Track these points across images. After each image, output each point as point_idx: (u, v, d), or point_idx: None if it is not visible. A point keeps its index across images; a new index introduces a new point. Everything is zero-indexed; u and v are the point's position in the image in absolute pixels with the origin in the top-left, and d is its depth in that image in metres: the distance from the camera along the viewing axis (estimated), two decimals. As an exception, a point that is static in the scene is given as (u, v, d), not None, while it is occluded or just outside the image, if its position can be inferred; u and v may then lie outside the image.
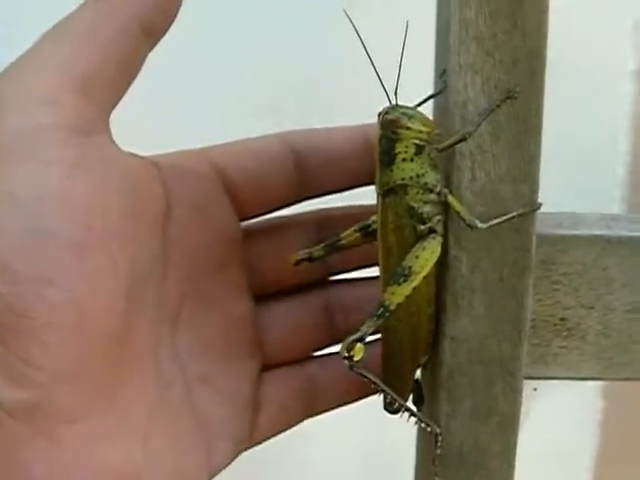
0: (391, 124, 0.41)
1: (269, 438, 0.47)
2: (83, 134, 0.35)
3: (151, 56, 0.37)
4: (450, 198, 0.41)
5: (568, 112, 0.67)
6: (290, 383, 0.48)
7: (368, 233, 0.46)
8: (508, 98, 0.40)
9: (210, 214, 0.44)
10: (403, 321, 0.44)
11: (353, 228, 0.46)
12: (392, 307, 0.41)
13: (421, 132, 0.41)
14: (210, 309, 0.44)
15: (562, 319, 0.44)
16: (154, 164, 0.41)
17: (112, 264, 0.35)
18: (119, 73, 0.36)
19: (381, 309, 0.41)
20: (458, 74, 0.41)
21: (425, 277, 0.41)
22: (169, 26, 0.37)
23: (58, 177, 0.33)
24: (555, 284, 0.44)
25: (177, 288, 0.42)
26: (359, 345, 0.40)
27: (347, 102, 0.51)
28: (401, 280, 0.41)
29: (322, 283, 0.50)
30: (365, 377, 0.41)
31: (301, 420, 0.48)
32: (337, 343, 0.49)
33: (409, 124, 0.41)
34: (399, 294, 0.41)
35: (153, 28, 0.37)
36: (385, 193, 0.42)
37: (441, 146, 0.41)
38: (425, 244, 0.41)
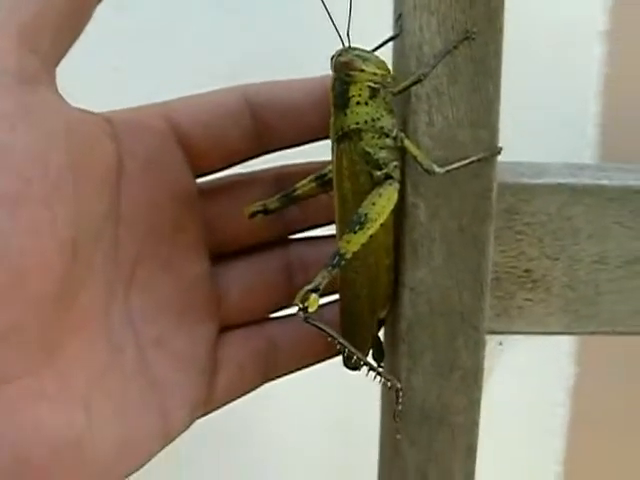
0: (344, 66, 0.40)
1: (227, 403, 0.45)
2: (26, 83, 0.33)
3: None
4: (407, 142, 0.40)
5: (536, 71, 0.66)
6: (248, 344, 0.46)
7: (324, 182, 0.44)
8: (465, 39, 0.39)
9: (164, 170, 0.42)
10: (361, 273, 0.43)
11: (309, 178, 0.45)
12: (348, 255, 0.39)
13: (375, 74, 0.40)
14: (165, 270, 0.42)
15: (526, 270, 0.43)
16: (106, 120, 0.40)
17: (50, 219, 0.33)
18: (63, 23, 0.35)
19: (336, 258, 0.39)
20: (413, 16, 0.39)
21: (382, 225, 0.40)
22: None
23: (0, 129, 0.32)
24: (518, 234, 0.43)
25: (130, 248, 0.40)
26: (314, 296, 0.38)
27: (307, 58, 0.49)
28: (357, 228, 0.40)
29: (282, 242, 0.49)
30: (321, 329, 0.39)
31: (260, 384, 0.46)
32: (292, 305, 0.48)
33: (363, 66, 0.40)
34: (355, 242, 0.39)
35: None
36: (339, 138, 0.41)
37: (396, 89, 0.40)
38: (381, 190, 0.40)
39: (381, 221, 0.40)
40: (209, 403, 0.44)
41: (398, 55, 0.43)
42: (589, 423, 0.80)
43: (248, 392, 0.46)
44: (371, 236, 0.40)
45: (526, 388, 0.70)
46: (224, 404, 0.45)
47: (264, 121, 0.45)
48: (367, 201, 0.40)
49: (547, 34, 0.67)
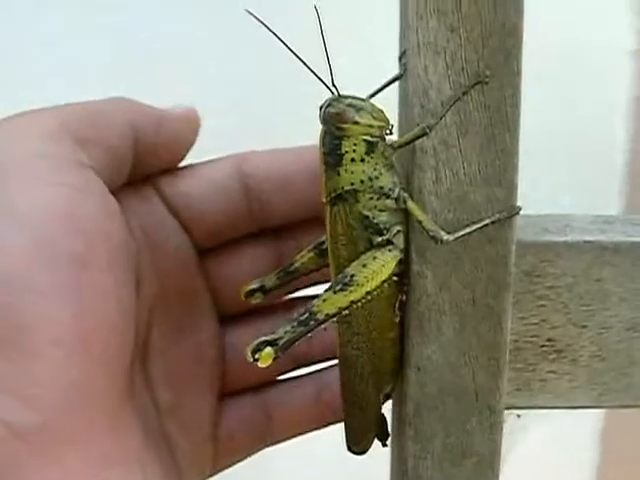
0: (335, 118, 0.35)
1: (227, 467, 0.45)
2: (82, 165, 0.35)
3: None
4: (410, 204, 0.35)
5: (563, 94, 0.60)
6: (241, 414, 0.45)
7: (323, 252, 0.39)
8: (477, 83, 0.34)
9: (163, 240, 0.42)
10: (363, 349, 0.38)
11: (307, 248, 0.40)
12: (319, 316, 0.34)
13: (372, 126, 0.35)
14: (177, 335, 0.42)
15: (550, 339, 0.38)
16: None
17: (114, 284, 0.34)
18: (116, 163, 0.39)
19: (306, 314, 0.34)
20: (417, 55, 0.34)
21: (386, 296, 0.36)
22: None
23: (64, 197, 0.34)
24: (540, 299, 0.38)
25: (144, 314, 0.40)
26: (268, 349, 0.33)
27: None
28: (338, 288, 0.34)
29: (285, 303, 0.46)
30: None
31: (255, 450, 0.46)
32: (300, 367, 0.46)
33: (357, 117, 0.35)
34: (332, 303, 0.34)
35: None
36: (333, 201, 0.36)
37: (397, 143, 0.35)
38: (377, 254, 0.35)
39: (368, 288, 0.35)
40: (213, 465, 0.44)
41: (402, 100, 0.38)
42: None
43: (244, 458, 0.45)
44: (371, 312, 0.36)
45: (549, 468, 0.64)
46: (224, 468, 0.45)
47: (258, 196, 0.42)
48: (358, 261, 0.35)
49: (574, 55, 0.62)
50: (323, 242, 0.39)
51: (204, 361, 0.43)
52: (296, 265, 0.41)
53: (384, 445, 0.41)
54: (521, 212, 0.35)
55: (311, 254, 0.40)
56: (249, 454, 0.45)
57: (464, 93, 0.34)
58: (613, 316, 0.38)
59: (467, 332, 0.36)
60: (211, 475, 0.44)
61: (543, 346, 0.38)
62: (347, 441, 0.41)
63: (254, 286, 0.41)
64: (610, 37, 0.63)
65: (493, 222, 0.34)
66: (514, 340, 0.38)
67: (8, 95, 0.50)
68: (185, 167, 0.43)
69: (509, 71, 0.34)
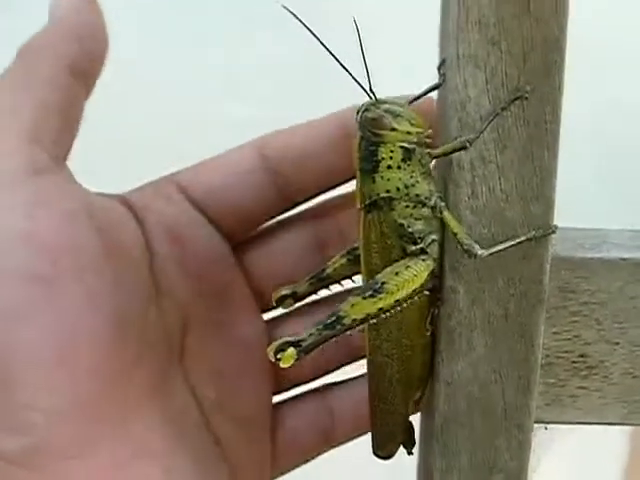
0: (372, 124, 0.34)
1: (290, 469, 0.45)
2: (39, 174, 0.35)
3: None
4: (446, 215, 0.34)
5: (604, 103, 0.59)
6: (304, 413, 0.45)
7: (356, 258, 0.39)
8: (517, 99, 0.33)
9: (191, 240, 0.42)
10: (393, 356, 0.38)
11: (339, 254, 0.40)
12: (346, 320, 0.34)
13: (409, 133, 0.34)
14: (216, 334, 0.42)
15: (582, 355, 0.38)
16: (123, 202, 0.40)
17: (88, 299, 0.34)
18: (61, 120, 0.36)
19: (332, 318, 0.34)
20: (457, 67, 0.33)
21: (418, 304, 0.35)
22: (100, 69, 0.37)
23: (20, 217, 0.33)
24: (574, 315, 0.37)
25: (177, 319, 0.40)
26: (291, 350, 0.33)
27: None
28: (368, 294, 0.34)
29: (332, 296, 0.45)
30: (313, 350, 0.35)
31: (318, 452, 0.45)
32: (354, 360, 0.45)
33: (394, 124, 0.34)
34: (360, 309, 0.34)
35: (85, 73, 0.37)
36: (367, 207, 0.36)
37: (435, 152, 0.34)
38: (410, 263, 0.35)
39: (398, 297, 0.34)
40: (275, 466, 0.44)
41: (440, 110, 0.37)
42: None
43: (306, 459, 0.45)
44: (402, 319, 0.36)
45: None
46: (288, 469, 0.45)
47: (282, 176, 0.42)
48: (391, 268, 0.35)
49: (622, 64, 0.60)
50: (356, 248, 0.39)
51: (251, 356, 0.43)
52: (328, 271, 0.41)
53: (409, 453, 0.41)
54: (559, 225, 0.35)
55: (343, 260, 0.40)
56: (312, 456, 0.45)
57: (503, 109, 0.33)
58: (646, 334, 0.37)
59: (498, 349, 0.36)
60: (275, 477, 0.44)
61: (575, 362, 0.38)
62: (373, 446, 0.41)
63: (285, 292, 0.41)
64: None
65: (529, 239, 0.34)
66: (546, 355, 0.37)
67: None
68: (206, 161, 0.43)
69: (550, 87, 0.33)
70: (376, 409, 0.40)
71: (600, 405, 0.38)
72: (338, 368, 0.45)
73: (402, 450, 0.41)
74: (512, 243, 0.34)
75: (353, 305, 0.34)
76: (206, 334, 0.42)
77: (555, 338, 0.37)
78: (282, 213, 0.44)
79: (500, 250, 0.34)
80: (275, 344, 0.33)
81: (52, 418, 0.33)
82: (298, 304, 0.43)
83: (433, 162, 0.36)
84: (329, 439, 0.45)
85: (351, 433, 0.45)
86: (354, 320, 0.34)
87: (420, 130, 0.35)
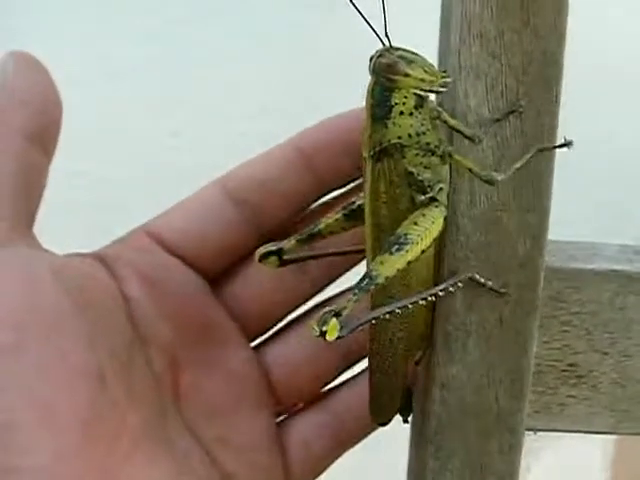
0: (387, 69, 0.34)
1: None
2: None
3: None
4: (457, 157, 0.34)
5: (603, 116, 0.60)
6: (311, 422, 0.44)
7: (352, 213, 0.39)
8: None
9: (167, 283, 0.42)
10: (397, 313, 0.37)
11: (335, 210, 0.40)
12: (379, 280, 0.34)
13: (423, 80, 0.34)
14: (207, 370, 0.42)
15: (571, 365, 0.39)
16: (95, 257, 0.40)
17: (60, 359, 0.33)
18: (19, 188, 0.36)
19: (365, 280, 0.34)
20: (458, 78, 0.34)
21: (422, 257, 0.35)
22: (57, 131, 0.37)
23: None
24: (565, 325, 0.38)
25: (165, 362, 0.40)
26: (334, 320, 0.33)
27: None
28: (394, 249, 0.34)
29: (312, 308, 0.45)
30: (358, 328, 0.34)
31: (333, 458, 0.45)
32: (351, 365, 0.45)
33: (408, 70, 0.34)
34: (390, 265, 0.34)
35: (40, 137, 0.37)
36: (377, 155, 0.36)
37: (448, 119, 0.34)
38: (425, 211, 0.35)
39: (423, 246, 0.34)
40: None
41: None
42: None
43: (324, 468, 0.45)
44: (409, 271, 0.35)
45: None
46: None
47: (248, 205, 0.42)
48: (408, 221, 0.35)
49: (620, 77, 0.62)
50: (352, 203, 0.39)
51: (245, 387, 0.43)
52: (320, 227, 0.40)
53: (405, 421, 0.42)
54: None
55: (338, 215, 0.40)
56: (328, 463, 0.45)
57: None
58: (635, 345, 0.38)
59: (492, 354, 0.36)
60: None
61: (565, 371, 0.39)
62: (371, 411, 0.41)
63: (270, 248, 0.41)
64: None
65: (540, 150, 0.34)
66: (537, 363, 0.38)
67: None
68: (173, 206, 0.43)
69: (548, 99, 0.34)
70: (375, 371, 0.40)
71: (588, 414, 0.39)
72: (335, 377, 0.45)
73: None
74: (525, 159, 0.34)
75: (382, 263, 0.34)
76: (197, 373, 0.42)
77: (545, 347, 0.38)
78: (257, 243, 0.43)
79: (517, 169, 0.34)
80: (318, 318, 0.33)
81: (35, 475, 0.32)
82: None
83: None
84: (341, 442, 0.45)
85: (361, 431, 0.45)
86: (386, 278, 0.34)
87: (433, 78, 0.35)
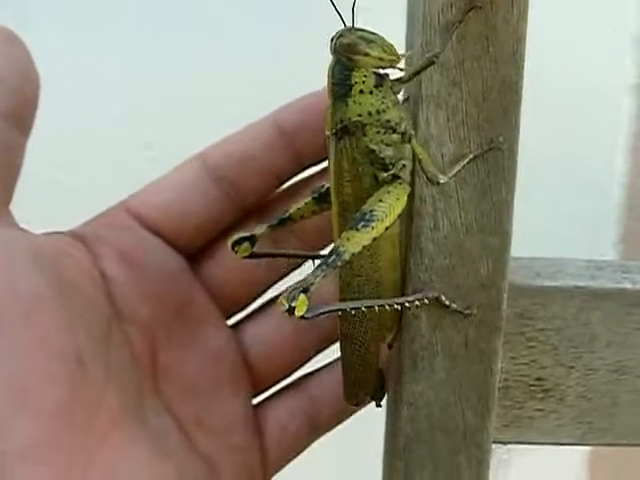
0: (347, 48, 0.35)
1: (283, 464, 0.45)
2: None
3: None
4: (414, 142, 0.35)
5: (563, 127, 0.61)
6: (287, 404, 0.46)
7: (321, 196, 0.40)
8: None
9: (146, 261, 0.42)
10: (364, 292, 0.38)
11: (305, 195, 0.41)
12: (346, 256, 0.34)
13: (382, 60, 0.35)
14: (185, 350, 0.42)
15: (538, 379, 0.39)
16: (74, 236, 0.40)
17: (40, 340, 0.33)
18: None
19: (332, 256, 0.34)
20: (419, 106, 0.35)
21: (389, 236, 0.36)
22: (34, 109, 0.36)
23: None
24: (531, 341, 0.39)
25: (143, 340, 0.41)
26: (303, 296, 0.33)
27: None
28: (360, 225, 0.34)
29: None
30: (324, 314, 0.35)
31: (309, 442, 0.46)
32: (327, 347, 0.46)
33: (368, 49, 0.35)
34: (356, 241, 0.34)
35: (16, 116, 0.35)
36: (338, 133, 0.36)
37: (404, 77, 0.35)
38: (390, 188, 0.35)
39: (388, 223, 0.35)
40: (266, 465, 0.45)
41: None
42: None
43: (300, 451, 0.46)
44: (376, 249, 0.36)
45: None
46: (281, 466, 0.46)
47: (227, 182, 0.43)
48: (373, 198, 0.35)
49: (575, 88, 0.63)
50: (322, 187, 0.40)
51: (223, 366, 0.43)
52: (291, 212, 0.41)
53: (378, 405, 0.43)
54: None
55: (309, 199, 0.40)
56: (303, 446, 0.46)
57: (475, 157, 0.35)
58: (600, 359, 0.39)
59: (458, 373, 0.37)
60: (268, 475, 0.45)
61: (532, 385, 0.39)
62: (345, 394, 0.42)
63: (243, 235, 0.41)
64: (611, 71, 0.64)
65: (475, 157, 0.35)
66: (504, 379, 0.39)
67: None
68: (152, 182, 0.43)
69: (507, 125, 0.35)
70: (347, 353, 0.40)
71: (556, 426, 0.40)
72: (311, 357, 0.46)
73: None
74: (465, 162, 0.35)
75: (349, 239, 0.34)
76: (175, 352, 0.42)
77: (513, 362, 0.39)
78: (238, 219, 0.44)
79: (456, 171, 0.35)
80: (285, 295, 0.33)
81: (19, 458, 0.32)
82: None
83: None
84: (316, 426, 0.45)
85: (336, 416, 0.46)
86: (353, 254, 0.34)
87: (393, 57, 0.35)
